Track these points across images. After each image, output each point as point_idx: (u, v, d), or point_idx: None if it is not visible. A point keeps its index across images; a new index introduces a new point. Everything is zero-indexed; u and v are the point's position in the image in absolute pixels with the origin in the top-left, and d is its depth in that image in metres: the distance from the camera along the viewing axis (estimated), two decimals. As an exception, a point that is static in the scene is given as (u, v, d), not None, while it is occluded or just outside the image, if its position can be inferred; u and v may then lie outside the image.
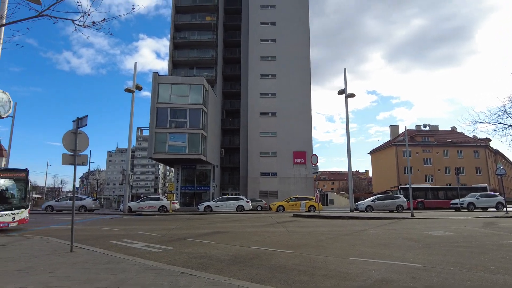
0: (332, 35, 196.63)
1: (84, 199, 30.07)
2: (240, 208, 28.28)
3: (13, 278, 5.36)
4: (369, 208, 27.86)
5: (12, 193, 13.76)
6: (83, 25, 3.80)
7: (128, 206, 27.20)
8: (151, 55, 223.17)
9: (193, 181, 38.04)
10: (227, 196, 34.73)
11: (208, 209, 28.04)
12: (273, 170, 40.82)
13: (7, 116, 12.30)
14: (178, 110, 34.10)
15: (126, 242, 10.10)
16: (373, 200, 29.16)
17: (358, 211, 27.43)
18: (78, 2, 3.65)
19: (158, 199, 29.90)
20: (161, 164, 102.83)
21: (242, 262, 7.03)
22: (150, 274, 5.62)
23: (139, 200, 30.09)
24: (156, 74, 34.48)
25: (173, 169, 47.22)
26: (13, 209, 13.30)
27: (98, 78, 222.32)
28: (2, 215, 12.59)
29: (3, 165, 45.65)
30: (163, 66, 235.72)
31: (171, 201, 27.45)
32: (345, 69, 27.96)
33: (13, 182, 13.84)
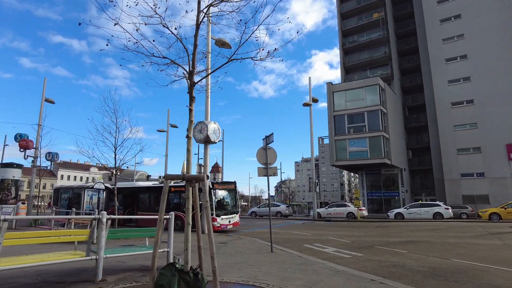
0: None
1: (279, 205, 33.81)
2: (438, 216, 24.87)
3: (233, 269, 6.70)
4: None
5: (227, 201, 17.14)
6: (259, 59, 4.52)
7: (318, 212, 28.78)
8: (324, 67, 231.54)
9: (379, 186, 36.26)
10: (420, 202, 31.22)
11: (399, 216, 26.07)
12: (478, 170, 33.79)
13: (218, 141, 15.48)
14: (355, 115, 33.68)
15: (318, 246, 10.74)
16: None
17: None
18: (256, 38, 4.39)
19: (345, 205, 30.15)
20: (344, 170, 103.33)
21: (443, 276, 6.25)
22: (340, 278, 5.83)
23: (327, 207, 31.24)
24: (329, 84, 35.44)
25: (357, 175, 46.66)
26: (229, 214, 16.51)
27: (281, 98, 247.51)
28: (222, 219, 15.82)
29: (220, 179, 57.01)
30: (336, 75, 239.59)
31: (358, 207, 27.17)
32: None
33: (227, 192, 17.25)
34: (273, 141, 9.25)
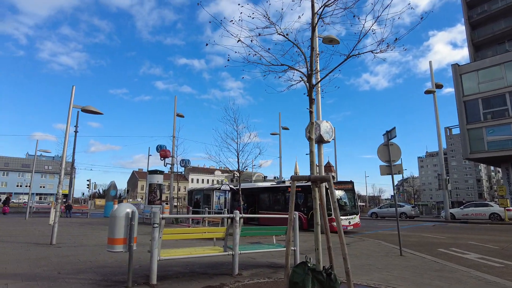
0: None
1: (403, 206, 31.08)
2: None
3: (361, 272, 6.48)
4: None
5: (344, 202, 16.67)
6: (380, 51, 4.29)
7: (450, 212, 25.41)
8: (446, 48, 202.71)
9: (533, 181, 29.73)
10: None
11: None
12: None
13: (331, 140, 15.24)
14: (493, 97, 28.47)
15: (456, 251, 9.48)
16: None
17: None
18: (373, 31, 4.20)
19: (487, 205, 25.80)
20: (481, 164, 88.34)
21: None
22: (492, 290, 5.02)
23: (462, 207, 27.29)
24: (455, 66, 30.95)
25: (499, 169, 39.18)
26: (348, 215, 16.03)
27: (396, 88, 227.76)
28: (342, 219, 15.47)
29: (334, 179, 55.92)
30: (462, 54, 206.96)
31: (505, 207, 22.86)
32: None
33: (344, 192, 16.78)
34: (395, 136, 8.59)
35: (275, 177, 49.41)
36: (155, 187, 22.93)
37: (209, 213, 17.74)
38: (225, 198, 21.63)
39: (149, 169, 26.95)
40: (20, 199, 65.27)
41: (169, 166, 23.80)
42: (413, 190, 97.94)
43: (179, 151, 24.95)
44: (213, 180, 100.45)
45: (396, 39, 4.19)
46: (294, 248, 6.49)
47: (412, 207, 31.74)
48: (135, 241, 5.06)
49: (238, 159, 14.29)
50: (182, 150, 44.55)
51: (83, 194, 66.89)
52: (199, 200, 23.08)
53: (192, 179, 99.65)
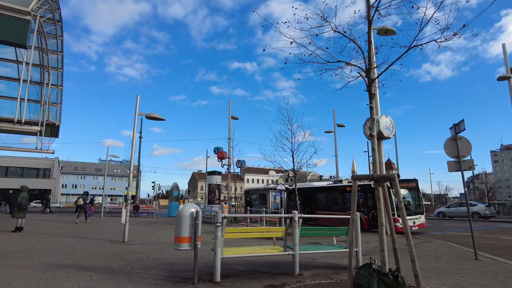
0: None
1: (476, 205, 28.43)
2: None
3: (431, 275, 6.08)
4: None
5: (408, 201, 15.72)
6: (444, 40, 3.99)
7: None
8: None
9: None
10: None
11: None
12: None
13: (392, 136, 14.48)
14: None
15: (543, 256, 8.44)
16: None
17: None
18: (436, 21, 3.93)
19: None
20: None
21: None
22: None
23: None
24: (535, 48, 27.52)
25: None
26: (412, 214, 15.09)
27: (462, 77, 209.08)
28: (405, 219, 14.62)
29: (394, 177, 53.04)
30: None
31: None
32: None
33: (408, 191, 15.83)
34: (464, 129, 7.90)
35: (330, 176, 48.28)
36: (214, 187, 23.80)
37: (266, 212, 17.93)
38: (281, 197, 21.68)
39: (207, 170, 28.06)
40: (95, 200, 72.89)
41: (226, 167, 24.52)
42: (486, 188, 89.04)
43: (235, 152, 25.56)
44: (267, 180, 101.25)
45: (464, 25, 3.85)
46: (356, 249, 6.30)
47: (487, 206, 28.88)
48: (199, 240, 5.31)
49: (293, 159, 14.22)
50: (238, 151, 45.56)
51: (148, 195, 71.91)
52: (251, 200, 23.48)
53: (248, 179, 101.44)
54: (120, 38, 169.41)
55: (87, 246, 9.11)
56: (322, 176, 43.19)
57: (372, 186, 15.78)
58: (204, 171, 46.17)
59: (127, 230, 10.56)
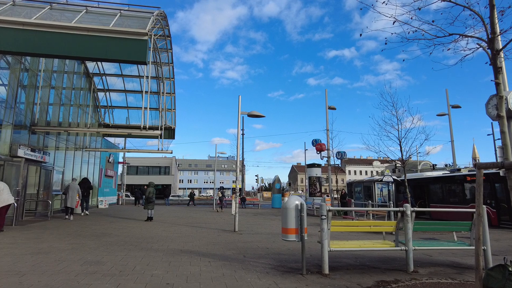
0: None
1: None
2: None
3: None
4: None
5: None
6: None
7: None
8: None
9: None
10: None
11: None
12: None
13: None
14: None
15: None
16: None
17: None
18: None
19: None
20: None
21: None
22: None
23: None
24: None
25: None
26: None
27: None
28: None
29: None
30: None
31: None
32: None
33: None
34: None
35: (446, 165, 42.97)
36: (314, 179, 23.72)
37: (372, 206, 17.05)
38: (389, 190, 20.29)
39: (307, 163, 28.09)
40: (208, 193, 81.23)
41: (325, 159, 24.12)
42: None
43: (335, 144, 24.94)
44: (371, 172, 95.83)
45: None
46: (484, 247, 5.51)
47: None
48: (305, 232, 5.38)
49: (400, 147, 13.08)
50: (337, 143, 44.31)
51: (253, 187, 75.91)
52: (345, 193, 22.52)
53: (350, 171, 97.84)
54: (222, 44, 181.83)
55: (203, 235, 10.14)
56: (435, 165, 38.66)
57: (502, 174, 13.48)
58: (303, 164, 46.26)
59: (237, 220, 11.36)
